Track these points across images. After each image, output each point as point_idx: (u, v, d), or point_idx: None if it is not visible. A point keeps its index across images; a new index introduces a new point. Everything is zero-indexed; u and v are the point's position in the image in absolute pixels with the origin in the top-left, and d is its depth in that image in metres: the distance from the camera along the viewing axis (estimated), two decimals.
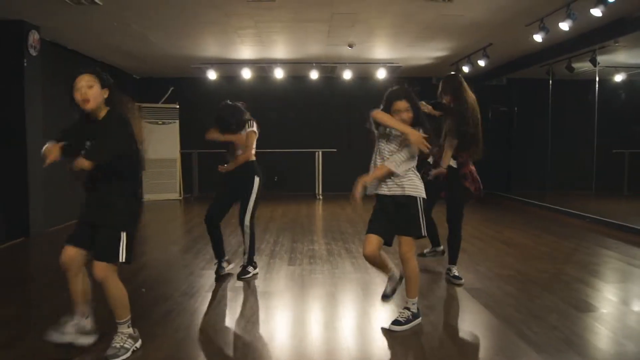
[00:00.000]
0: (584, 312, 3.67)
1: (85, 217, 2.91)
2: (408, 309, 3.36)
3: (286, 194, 10.90)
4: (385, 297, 3.61)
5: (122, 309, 2.89)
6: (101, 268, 2.79)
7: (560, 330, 3.28)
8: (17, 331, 3.30)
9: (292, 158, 10.96)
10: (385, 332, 3.28)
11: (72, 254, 2.87)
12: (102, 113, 2.88)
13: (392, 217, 3.33)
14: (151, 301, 3.92)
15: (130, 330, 2.93)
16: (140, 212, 3.07)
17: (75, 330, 2.94)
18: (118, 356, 2.79)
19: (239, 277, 4.54)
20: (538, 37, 6.54)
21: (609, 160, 9.41)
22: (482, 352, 3.04)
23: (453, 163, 4.44)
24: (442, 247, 5.00)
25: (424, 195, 3.37)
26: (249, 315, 3.65)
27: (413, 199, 3.30)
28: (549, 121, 9.71)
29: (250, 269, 4.60)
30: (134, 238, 2.91)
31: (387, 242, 3.37)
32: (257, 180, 4.59)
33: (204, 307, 3.79)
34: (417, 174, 3.40)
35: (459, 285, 4.32)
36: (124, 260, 2.83)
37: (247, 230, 4.55)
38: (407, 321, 3.31)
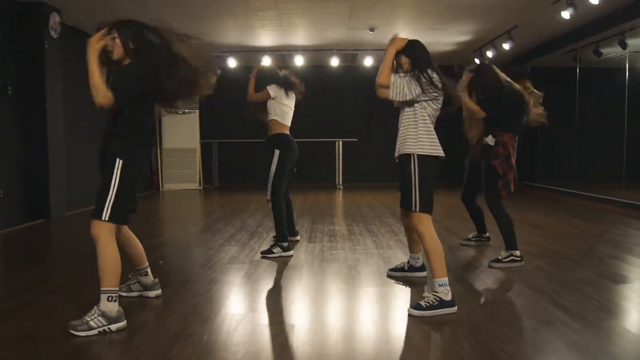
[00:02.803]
0: (621, 284, 3.48)
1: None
2: (436, 293, 2.90)
3: (305, 184, 10.78)
4: (390, 270, 3.64)
5: (108, 275, 2.62)
6: (93, 226, 2.65)
7: (596, 300, 3.10)
8: (33, 296, 3.26)
9: (312, 148, 10.82)
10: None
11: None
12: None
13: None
14: (169, 272, 3.83)
15: (111, 305, 2.60)
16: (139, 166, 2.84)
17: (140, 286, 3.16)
18: (77, 330, 2.54)
19: (262, 254, 4.34)
20: (566, 14, 6.32)
21: (638, 149, 9.09)
22: (514, 317, 2.88)
23: (490, 141, 4.19)
24: (487, 234, 4.71)
25: (427, 152, 3.04)
26: (268, 283, 3.54)
27: (406, 157, 3.07)
28: (575, 110, 9.42)
29: (276, 249, 4.33)
30: (125, 196, 2.68)
31: None
32: (276, 153, 4.46)
33: (221, 277, 3.69)
34: (423, 129, 3.08)
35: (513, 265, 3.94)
36: (107, 219, 2.61)
37: (270, 205, 4.43)
38: (429, 307, 2.84)
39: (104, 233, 2.63)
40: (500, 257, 3.96)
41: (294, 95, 4.62)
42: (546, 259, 4.12)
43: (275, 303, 3.12)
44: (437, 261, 2.94)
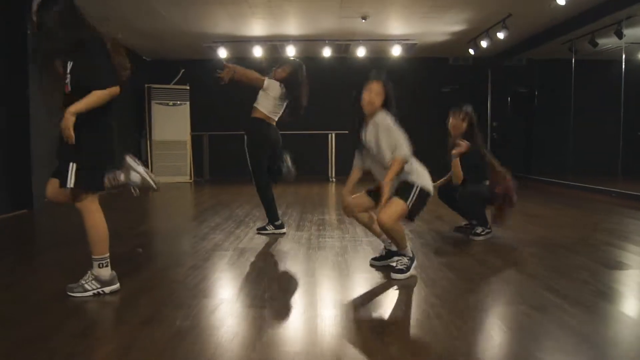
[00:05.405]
0: (615, 269, 3.36)
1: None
2: (404, 255, 3.24)
3: (298, 177, 10.62)
4: (372, 259, 3.54)
5: (97, 243, 2.74)
6: (72, 195, 2.73)
7: (591, 284, 2.97)
8: (18, 277, 3.13)
9: (305, 140, 10.68)
10: (397, 281, 3.02)
11: (51, 184, 2.84)
12: None
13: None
14: (149, 259, 3.71)
15: (103, 271, 2.75)
16: (101, 145, 2.80)
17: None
18: (74, 292, 2.72)
19: (257, 230, 4.64)
20: (561, 0, 6.20)
21: (634, 142, 8.97)
22: (505, 302, 2.76)
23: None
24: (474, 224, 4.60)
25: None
26: (250, 270, 3.40)
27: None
28: (571, 102, 9.30)
29: (269, 227, 4.58)
30: (92, 168, 2.73)
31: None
32: (246, 138, 4.49)
33: (202, 263, 3.54)
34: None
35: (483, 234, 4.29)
36: (72, 186, 2.66)
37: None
38: (408, 268, 3.19)
39: (85, 201, 2.70)
40: (478, 232, 4.30)
41: (283, 106, 4.55)
42: (541, 247, 4.00)
43: (255, 289, 2.97)
44: (401, 239, 3.20)
